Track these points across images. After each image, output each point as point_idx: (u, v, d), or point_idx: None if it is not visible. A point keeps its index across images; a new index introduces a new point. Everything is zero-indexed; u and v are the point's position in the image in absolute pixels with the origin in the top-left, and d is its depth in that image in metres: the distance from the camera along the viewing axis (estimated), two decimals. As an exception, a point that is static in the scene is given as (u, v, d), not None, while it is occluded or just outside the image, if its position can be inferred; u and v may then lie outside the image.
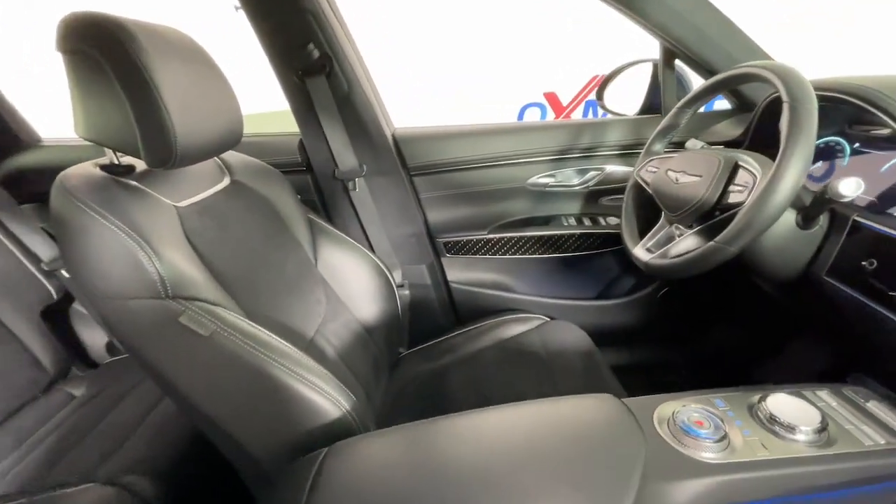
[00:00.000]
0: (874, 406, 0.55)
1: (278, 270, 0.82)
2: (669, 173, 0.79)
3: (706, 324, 1.25)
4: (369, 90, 1.04)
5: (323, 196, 1.14)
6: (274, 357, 0.58)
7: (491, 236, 1.19)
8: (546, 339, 1.01)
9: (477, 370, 0.99)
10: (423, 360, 1.09)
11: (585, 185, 1.17)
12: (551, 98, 3.85)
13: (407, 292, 1.16)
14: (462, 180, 1.16)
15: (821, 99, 0.61)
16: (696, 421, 0.52)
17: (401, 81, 1.24)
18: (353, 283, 0.98)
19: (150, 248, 0.54)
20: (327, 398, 0.60)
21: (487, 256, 1.22)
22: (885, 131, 0.69)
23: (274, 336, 0.61)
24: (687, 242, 0.73)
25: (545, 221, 1.21)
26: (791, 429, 0.51)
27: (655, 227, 0.84)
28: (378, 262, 1.01)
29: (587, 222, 1.20)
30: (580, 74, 3.70)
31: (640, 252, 0.82)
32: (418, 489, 0.47)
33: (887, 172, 0.67)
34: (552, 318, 1.08)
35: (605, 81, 1.25)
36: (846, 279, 0.65)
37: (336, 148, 1.05)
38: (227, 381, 0.58)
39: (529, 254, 1.21)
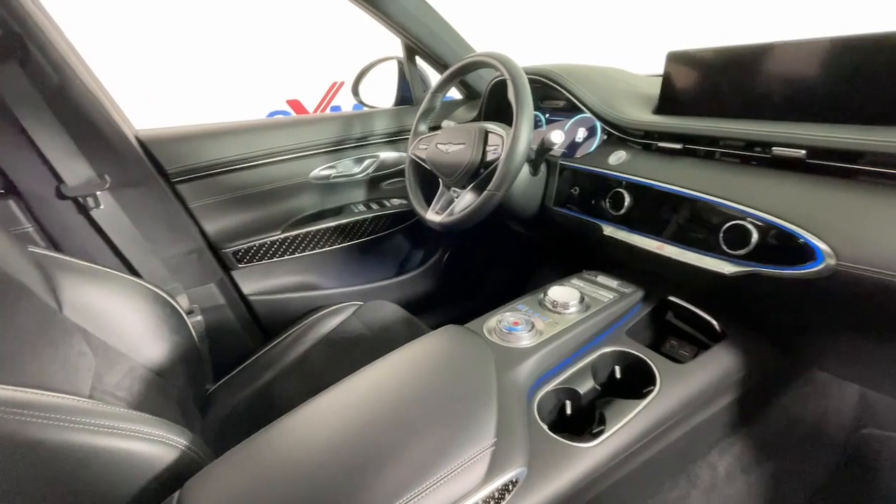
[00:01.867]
0: (602, 279, 0.82)
1: (2, 329, 0.59)
2: (439, 146, 0.94)
3: (485, 271, 1.53)
4: (91, 82, 0.83)
5: (41, 223, 0.86)
6: (61, 417, 0.44)
7: (285, 235, 1.14)
8: (367, 321, 1.05)
9: (306, 374, 0.95)
10: (240, 386, 0.97)
11: (366, 173, 1.25)
12: (295, 105, 3.80)
13: (199, 318, 1.00)
14: (238, 181, 1.06)
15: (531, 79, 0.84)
16: (513, 322, 0.67)
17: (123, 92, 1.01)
18: (126, 322, 0.79)
19: None
20: (157, 441, 0.49)
21: (286, 258, 1.16)
22: (562, 103, 1.00)
23: (48, 393, 0.46)
24: (466, 199, 0.89)
25: (337, 212, 1.24)
26: (566, 306, 0.71)
27: (438, 194, 0.99)
28: (154, 289, 0.84)
29: (375, 207, 1.29)
30: (320, 82, 3.78)
31: (432, 216, 0.95)
32: (298, 495, 0.45)
33: (568, 130, 0.99)
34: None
35: (358, 78, 1.36)
36: (565, 205, 0.92)
37: (56, 157, 0.80)
38: None
39: (328, 246, 1.21)
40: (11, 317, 0.61)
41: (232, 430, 0.84)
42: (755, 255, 0.59)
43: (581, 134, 0.95)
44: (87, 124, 0.83)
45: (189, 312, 0.97)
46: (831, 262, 0.52)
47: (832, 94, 0.61)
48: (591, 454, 0.53)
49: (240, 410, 0.89)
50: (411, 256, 1.41)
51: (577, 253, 1.07)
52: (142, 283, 0.82)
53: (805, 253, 0.54)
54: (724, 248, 0.62)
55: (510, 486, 0.46)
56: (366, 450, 0.47)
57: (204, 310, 1.04)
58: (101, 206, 0.87)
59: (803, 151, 0.59)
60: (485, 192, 0.81)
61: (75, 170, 0.83)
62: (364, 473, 0.44)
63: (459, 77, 0.97)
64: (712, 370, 0.65)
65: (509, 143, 0.77)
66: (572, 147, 0.95)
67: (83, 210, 0.86)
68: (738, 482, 0.77)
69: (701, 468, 0.75)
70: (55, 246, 0.87)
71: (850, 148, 0.55)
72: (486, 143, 0.85)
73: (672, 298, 0.76)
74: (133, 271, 0.93)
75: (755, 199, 0.60)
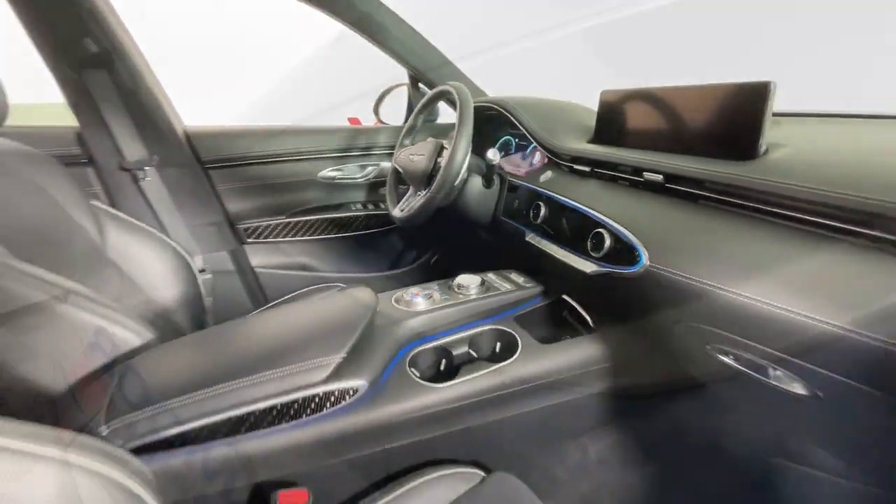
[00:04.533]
0: (514, 276, 0.96)
1: (58, 253, 0.83)
2: (409, 156, 1.13)
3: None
4: (156, 87, 1.13)
5: (107, 186, 1.15)
6: (70, 297, 0.66)
7: (289, 220, 1.37)
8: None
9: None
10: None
11: (367, 178, 1.46)
12: (354, 122, 4.19)
13: (209, 276, 1.24)
14: (257, 173, 1.32)
15: (491, 108, 1.02)
16: (415, 293, 0.83)
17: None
18: (148, 266, 1.04)
19: None
20: (127, 328, 0.71)
21: (288, 239, 1.40)
22: (522, 131, 1.15)
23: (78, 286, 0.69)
24: (421, 201, 1.06)
25: (337, 208, 1.46)
26: (466, 288, 0.86)
27: (407, 196, 1.17)
28: (176, 247, 1.09)
29: (371, 207, 1.50)
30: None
31: (396, 212, 1.13)
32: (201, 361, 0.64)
33: (527, 156, 1.13)
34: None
35: (378, 101, 1.60)
36: (512, 216, 1.06)
37: (122, 139, 1.09)
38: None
39: (326, 234, 1.43)
40: (64, 246, 0.87)
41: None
42: (608, 257, 0.71)
43: (538, 157, 1.09)
44: (149, 118, 1.12)
45: (201, 271, 1.22)
46: (647, 263, 0.63)
47: (696, 130, 0.71)
48: (436, 392, 0.67)
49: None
50: (403, 255, 1.59)
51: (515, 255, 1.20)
52: (168, 240, 1.07)
53: (635, 256, 0.65)
54: (590, 250, 0.74)
55: (350, 392, 0.62)
56: (243, 350, 0.65)
57: (216, 272, 1.28)
58: (148, 179, 1.15)
59: (661, 176, 0.70)
60: (427, 195, 0.98)
61: (134, 150, 1.12)
62: (236, 359, 0.62)
63: (435, 102, 1.16)
64: (572, 355, 0.76)
65: (448, 156, 0.94)
66: (530, 171, 1.10)
67: (135, 180, 1.15)
68: (614, 472, 0.84)
69: (570, 447, 0.84)
70: (113, 204, 1.16)
71: (693, 175, 0.66)
72: (438, 154, 1.03)
73: (565, 297, 0.87)
74: (164, 231, 1.20)
75: (615, 212, 0.72)
